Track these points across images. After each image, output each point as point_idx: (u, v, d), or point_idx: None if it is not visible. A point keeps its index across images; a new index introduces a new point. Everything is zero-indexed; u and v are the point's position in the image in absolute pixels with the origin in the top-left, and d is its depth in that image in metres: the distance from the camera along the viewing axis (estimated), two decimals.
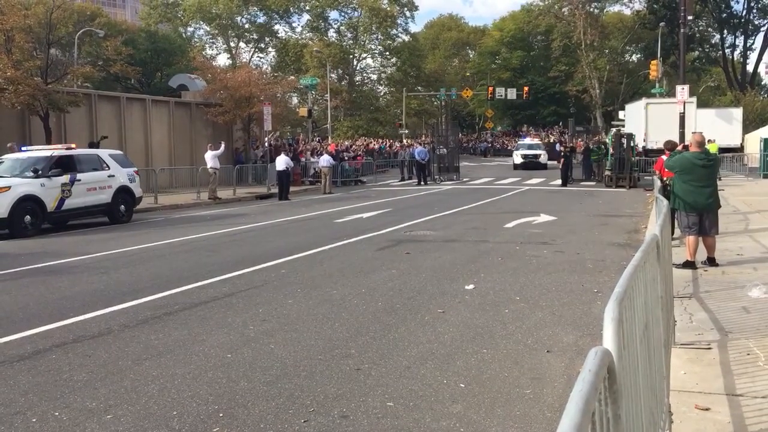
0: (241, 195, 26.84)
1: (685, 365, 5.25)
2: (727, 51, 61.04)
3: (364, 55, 72.52)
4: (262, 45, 72.01)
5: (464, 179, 34.21)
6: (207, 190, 25.11)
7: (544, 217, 16.48)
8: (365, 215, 17.95)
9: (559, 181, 28.94)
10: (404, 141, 51.96)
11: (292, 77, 54.39)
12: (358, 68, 73.55)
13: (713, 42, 62.33)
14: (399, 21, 71.01)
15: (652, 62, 46.37)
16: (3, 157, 17.89)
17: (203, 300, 8.17)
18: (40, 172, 16.34)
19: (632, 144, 27.99)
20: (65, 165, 17.15)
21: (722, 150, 28.60)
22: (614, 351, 2.01)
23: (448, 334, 6.54)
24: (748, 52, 62.48)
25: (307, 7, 71.26)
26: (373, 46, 72.38)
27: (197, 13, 66.75)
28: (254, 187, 30.39)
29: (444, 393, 5.01)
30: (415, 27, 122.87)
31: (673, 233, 8.81)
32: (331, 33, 72.56)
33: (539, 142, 48.06)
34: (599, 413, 1.71)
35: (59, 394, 5.13)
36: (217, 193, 25.09)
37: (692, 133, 11.12)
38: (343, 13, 71.95)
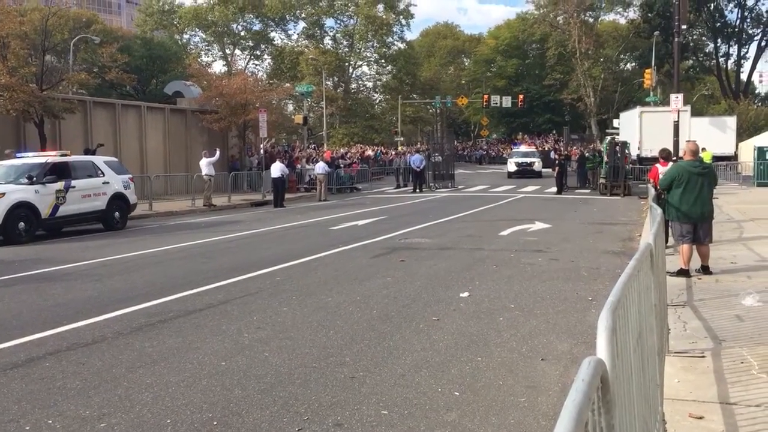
0: (236, 202, 26.82)
1: (679, 373, 5.26)
2: (721, 60, 61.42)
3: (359, 62, 72.75)
4: (258, 52, 72.09)
5: (459, 187, 34.24)
6: (202, 197, 25.08)
7: (539, 225, 16.50)
8: (360, 222, 17.95)
9: (554, 189, 29.00)
10: (399, 148, 51.99)
11: (288, 84, 54.53)
12: (353, 76, 73.74)
13: (707, 51, 62.69)
14: (395, 29, 71.34)
15: (646, 71, 46.59)
16: None
17: (198, 307, 8.16)
18: (34, 178, 16.30)
19: (627, 152, 28.08)
20: (60, 172, 17.12)
21: (716, 158, 28.65)
22: (608, 360, 2.02)
23: (442, 342, 6.54)
24: (742, 61, 62.96)
25: (303, 15, 71.44)
26: (368, 54, 72.64)
27: (193, 20, 66.81)
28: (249, 194, 30.38)
29: (438, 401, 5.00)
30: (411, 35, 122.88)
31: (666, 242, 8.83)
32: (327, 40, 72.84)
33: (534, 150, 47.20)
34: (593, 423, 1.72)
35: (53, 402, 5.11)
36: (212, 200, 25.06)
37: (686, 141, 11.14)
38: (339, 21, 72.25)
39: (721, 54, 61.08)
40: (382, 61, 72.79)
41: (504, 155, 58.27)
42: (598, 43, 65.22)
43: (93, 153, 21.82)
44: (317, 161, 33.46)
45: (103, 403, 5.07)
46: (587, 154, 33.17)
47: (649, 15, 56.31)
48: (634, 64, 69.89)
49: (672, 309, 7.06)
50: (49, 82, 25.59)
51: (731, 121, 37.44)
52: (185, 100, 35.84)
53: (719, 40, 60.13)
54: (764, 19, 58.98)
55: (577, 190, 29.82)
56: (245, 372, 5.71)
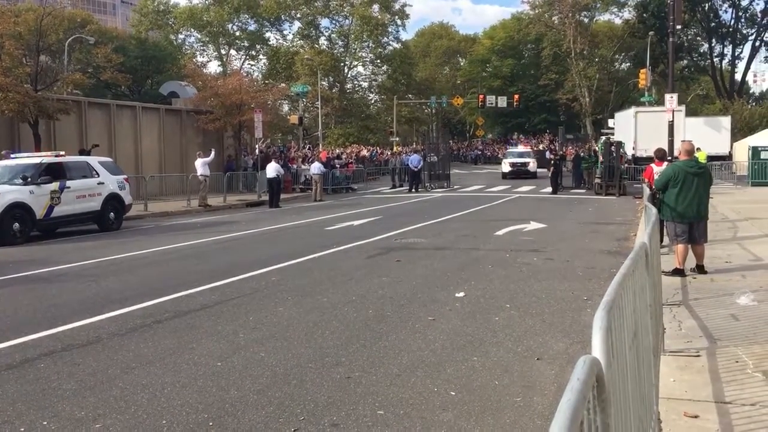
0: (231, 202, 26.79)
1: (674, 373, 5.27)
2: (716, 60, 61.54)
3: (355, 62, 72.70)
4: (253, 52, 72.06)
5: (455, 187, 34.27)
6: (197, 198, 25.05)
7: (534, 225, 16.52)
8: (356, 223, 17.95)
9: (550, 189, 29.04)
10: (395, 148, 51.98)
11: (283, 85, 54.42)
12: (349, 76, 73.67)
13: (702, 51, 62.80)
14: (390, 29, 71.30)
15: (641, 71, 46.65)
16: None
17: (193, 308, 8.14)
18: (29, 179, 16.25)
19: (622, 152, 28.14)
20: (54, 172, 17.07)
21: (711, 158, 28.74)
22: (603, 359, 2.02)
23: (438, 341, 6.55)
24: (737, 61, 63.10)
25: (299, 15, 71.37)
26: (364, 54, 72.58)
27: (188, 21, 66.73)
28: (244, 195, 30.34)
29: (434, 401, 5.01)
30: (406, 35, 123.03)
31: (661, 241, 8.85)
32: (323, 41, 72.70)
33: (529, 150, 46.56)
34: (588, 422, 1.72)
35: (48, 403, 5.10)
36: (207, 200, 25.03)
37: (682, 141, 11.17)
38: (334, 21, 72.17)
39: (715, 54, 61.23)
40: (378, 61, 72.75)
41: (499, 155, 58.27)
42: (593, 44, 65.38)
43: (88, 153, 21.79)
44: (313, 161, 33.45)
45: (99, 403, 5.06)
46: (582, 154, 33.19)
47: (644, 15, 56.46)
48: (629, 64, 70.03)
49: (667, 308, 7.07)
50: (43, 82, 25.54)
51: (726, 121, 37.56)
52: (180, 101, 35.80)
53: (714, 40, 60.27)
54: (758, 20, 59.12)
55: (572, 190, 29.86)
56: (241, 372, 5.70)
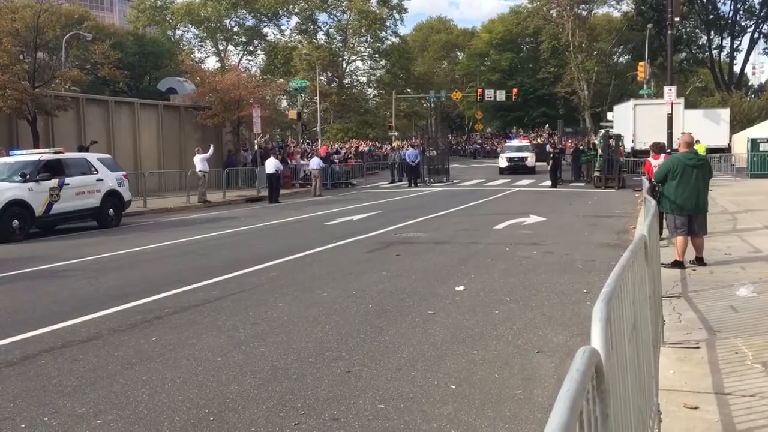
0: (230, 198, 26.79)
1: (674, 364, 5.28)
2: (714, 52, 61.46)
3: (353, 57, 72.47)
4: (251, 48, 71.85)
5: (454, 181, 34.25)
6: (196, 194, 25.04)
7: (533, 219, 16.52)
8: (355, 218, 17.95)
9: (549, 183, 29.03)
10: (394, 143, 51.93)
11: (282, 80, 54.37)
12: (347, 71, 73.50)
13: (700, 43, 62.71)
14: (388, 23, 71.10)
15: (639, 64, 46.61)
16: None
17: (193, 303, 8.15)
18: (28, 176, 16.24)
19: (621, 145, 28.12)
20: (53, 169, 17.06)
21: (710, 150, 28.71)
22: (602, 350, 2.02)
23: (438, 335, 6.55)
24: (735, 53, 63.03)
25: (296, 10, 71.17)
26: (362, 49, 72.35)
27: (185, 16, 66.50)
28: (244, 190, 30.32)
29: (435, 394, 5.01)
30: (404, 29, 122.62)
31: (661, 233, 8.85)
32: (320, 36, 72.50)
33: (528, 144, 45.24)
34: (587, 412, 1.72)
35: (48, 399, 5.10)
36: (206, 196, 25.03)
37: (681, 133, 11.18)
38: (332, 16, 71.93)
39: (714, 46, 61.13)
40: (376, 55, 72.57)
41: (499, 149, 58.10)
42: (592, 37, 65.25)
43: (86, 150, 21.76)
44: (312, 157, 33.43)
45: (99, 399, 5.06)
46: (581, 147, 33.16)
47: (642, 8, 56.32)
48: (627, 56, 69.93)
49: (667, 300, 7.08)
50: (41, 79, 25.49)
51: (725, 113, 37.53)
52: (178, 97, 35.73)
53: (712, 32, 60.16)
54: (757, 11, 59.05)
55: (571, 184, 29.85)
56: (241, 367, 5.71)
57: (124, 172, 19.96)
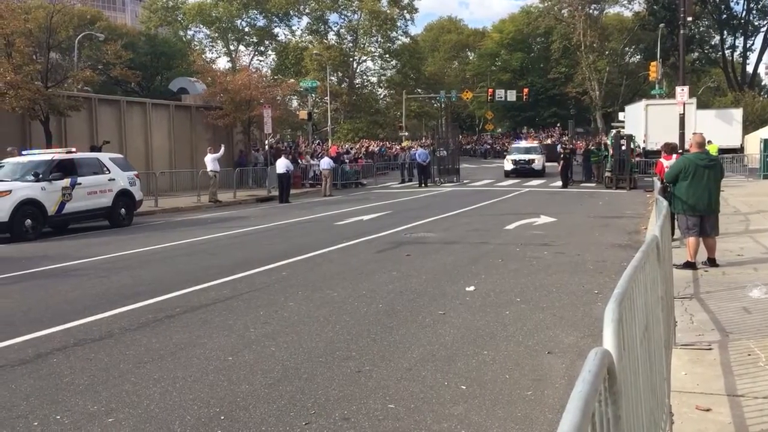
0: (241, 198, 26.87)
1: (686, 366, 5.25)
2: (727, 52, 61.09)
3: (363, 57, 72.54)
4: (262, 48, 72.16)
5: (464, 181, 34.21)
6: (207, 193, 25.13)
7: (544, 219, 16.48)
8: (366, 218, 17.95)
9: (560, 183, 28.95)
10: (404, 143, 51.93)
11: (292, 80, 54.46)
12: (357, 71, 73.60)
13: (713, 43, 62.38)
14: (399, 23, 71.12)
15: (651, 63, 46.38)
16: (3, 161, 17.90)
17: (204, 303, 8.18)
18: (40, 175, 16.36)
19: (632, 146, 28.00)
20: (66, 169, 17.17)
21: (722, 151, 28.61)
22: (614, 352, 2.01)
23: (448, 335, 6.55)
24: (748, 53, 62.62)
25: (307, 10, 71.36)
26: (372, 49, 72.42)
27: (197, 17, 66.85)
28: (254, 190, 30.41)
29: (445, 395, 5.01)
30: (415, 29, 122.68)
31: (672, 234, 8.81)
32: (331, 36, 72.69)
33: (536, 145, 42.22)
34: (599, 414, 1.71)
35: (61, 397, 5.13)
36: (217, 196, 25.12)
37: (693, 133, 11.12)
38: (342, 16, 72.09)
39: (726, 46, 60.77)
40: (387, 56, 72.62)
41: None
42: (603, 36, 65.02)
43: (99, 150, 21.88)
44: (322, 156, 33.48)
45: (111, 398, 5.09)
46: (592, 147, 33.03)
47: (655, 7, 56.02)
48: (639, 56, 69.54)
49: (679, 301, 7.04)
50: (54, 79, 25.64)
51: (737, 114, 37.32)
52: (190, 97, 35.87)
53: (725, 32, 59.80)
54: None
55: (582, 184, 29.75)
56: (252, 367, 5.72)
57: (135, 172, 20.06)
